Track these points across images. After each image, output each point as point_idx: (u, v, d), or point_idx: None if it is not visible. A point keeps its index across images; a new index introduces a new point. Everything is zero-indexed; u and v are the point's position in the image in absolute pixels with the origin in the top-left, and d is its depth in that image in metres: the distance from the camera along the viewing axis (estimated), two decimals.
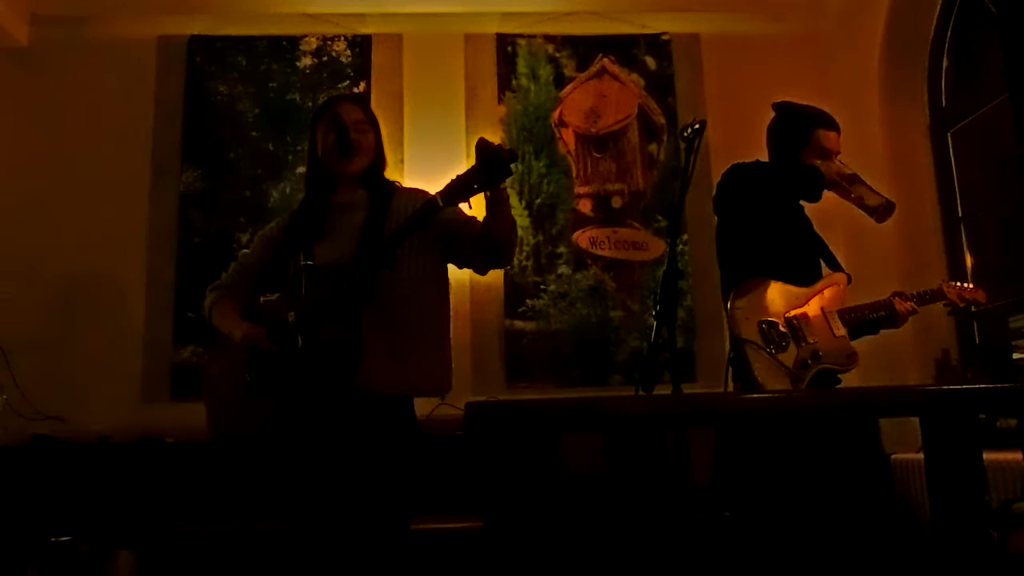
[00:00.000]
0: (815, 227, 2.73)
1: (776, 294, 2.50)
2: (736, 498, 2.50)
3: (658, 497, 1.51)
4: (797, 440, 2.37)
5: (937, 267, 3.86)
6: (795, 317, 2.48)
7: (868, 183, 2.59)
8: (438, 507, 2.99)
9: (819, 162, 2.56)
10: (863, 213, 2.63)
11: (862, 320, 2.59)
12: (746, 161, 2.64)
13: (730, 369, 2.52)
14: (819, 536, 2.27)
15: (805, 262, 2.61)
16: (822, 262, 2.69)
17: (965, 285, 2.79)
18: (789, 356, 2.43)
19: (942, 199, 3.97)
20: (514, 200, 4.33)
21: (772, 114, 2.76)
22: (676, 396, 1.95)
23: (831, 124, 2.63)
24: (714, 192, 2.68)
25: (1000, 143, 3.53)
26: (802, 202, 2.69)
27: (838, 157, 2.60)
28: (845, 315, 2.55)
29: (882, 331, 2.70)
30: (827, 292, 2.57)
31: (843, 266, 2.69)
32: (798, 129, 2.63)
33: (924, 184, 4.01)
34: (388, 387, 2.10)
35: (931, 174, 4.01)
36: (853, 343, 2.59)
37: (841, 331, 2.50)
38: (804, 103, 2.70)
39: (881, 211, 2.59)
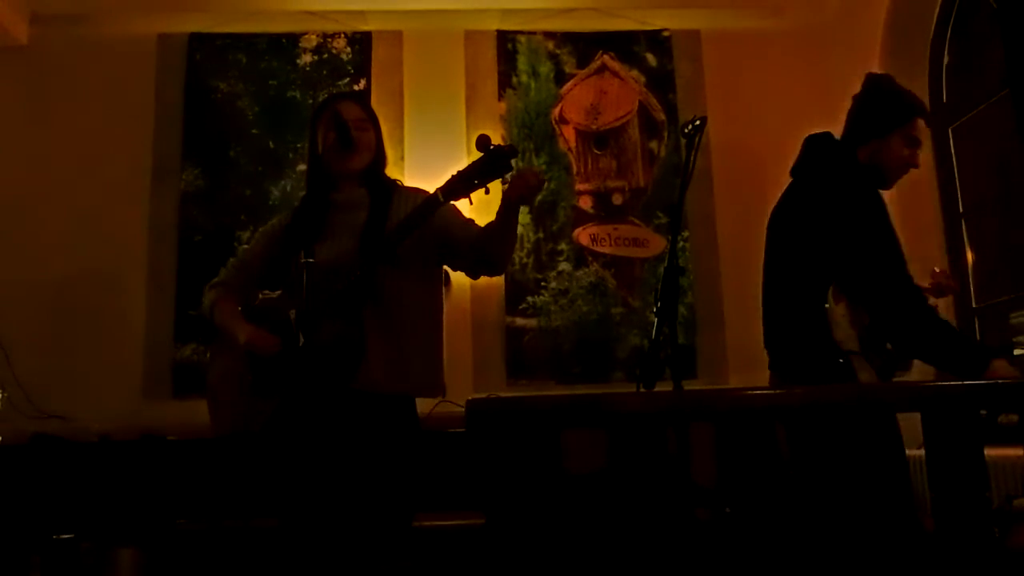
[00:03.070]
0: None
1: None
2: (738, 495, 2.50)
3: (660, 494, 1.51)
4: (804, 436, 2.36)
5: (938, 263, 3.85)
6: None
7: None
8: (440, 504, 2.99)
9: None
10: None
11: None
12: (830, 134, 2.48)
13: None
14: (821, 532, 2.27)
15: None
16: None
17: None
18: (873, 367, 2.32)
19: (943, 195, 3.96)
20: None
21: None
22: (677, 393, 1.95)
23: (927, 114, 2.45)
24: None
25: (1001, 139, 3.53)
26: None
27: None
28: None
29: None
30: None
31: None
32: (901, 111, 2.40)
33: (925, 180, 3.99)
34: (387, 387, 2.10)
35: (932, 170, 4.00)
36: None
37: (1004, 362, 2.27)
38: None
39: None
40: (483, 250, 2.16)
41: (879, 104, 2.44)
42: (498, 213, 2.07)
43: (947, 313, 3.79)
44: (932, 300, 2.62)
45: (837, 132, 2.51)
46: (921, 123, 2.42)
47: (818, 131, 2.56)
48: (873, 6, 4.09)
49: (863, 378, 2.27)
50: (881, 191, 2.40)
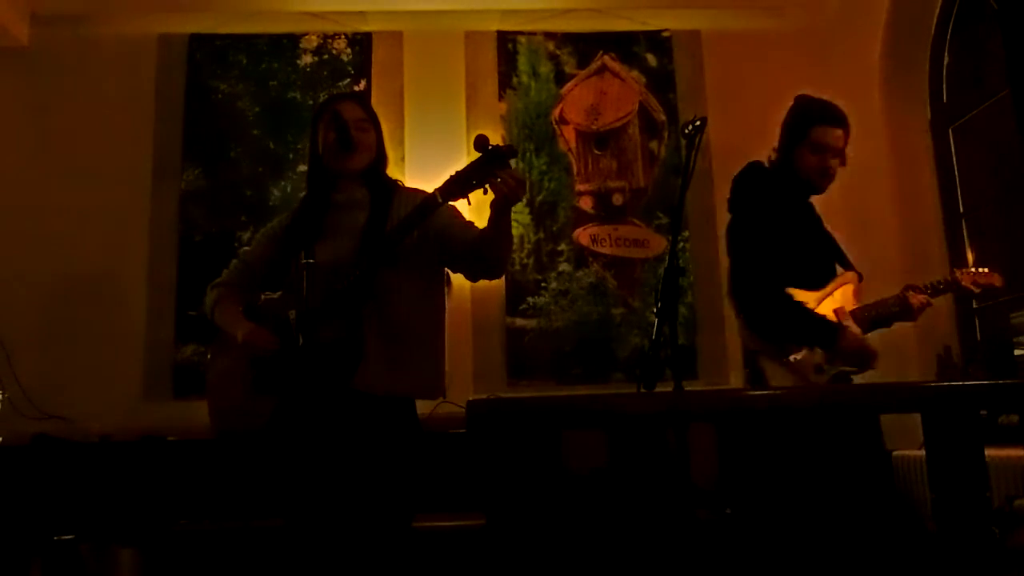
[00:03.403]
0: (825, 225, 2.71)
1: None
2: (738, 495, 2.50)
3: (660, 494, 1.52)
4: (799, 437, 2.37)
5: (939, 263, 3.86)
6: None
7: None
8: (440, 505, 2.99)
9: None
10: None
11: (878, 317, 2.57)
12: (762, 162, 2.65)
13: (747, 373, 2.53)
14: (822, 533, 2.27)
15: (817, 264, 2.58)
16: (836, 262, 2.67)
17: (979, 270, 2.75)
18: (805, 362, 2.42)
19: (943, 195, 3.97)
20: None
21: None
22: (678, 393, 1.95)
23: (833, 120, 2.58)
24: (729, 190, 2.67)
25: (1001, 139, 3.53)
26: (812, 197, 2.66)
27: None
28: (859, 314, 2.53)
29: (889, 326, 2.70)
30: (838, 293, 2.54)
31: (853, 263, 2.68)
32: (798, 124, 2.60)
33: (925, 180, 4.00)
34: (386, 388, 2.10)
35: (932, 170, 4.01)
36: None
37: (856, 331, 2.47)
38: (822, 97, 2.66)
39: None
40: (479, 254, 2.15)
41: (786, 122, 2.66)
42: (489, 219, 2.06)
43: (948, 313, 3.80)
44: (922, 299, 2.61)
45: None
46: (822, 130, 2.58)
47: None
48: (873, 6, 4.09)
49: (769, 373, 2.42)
50: (816, 196, 2.66)
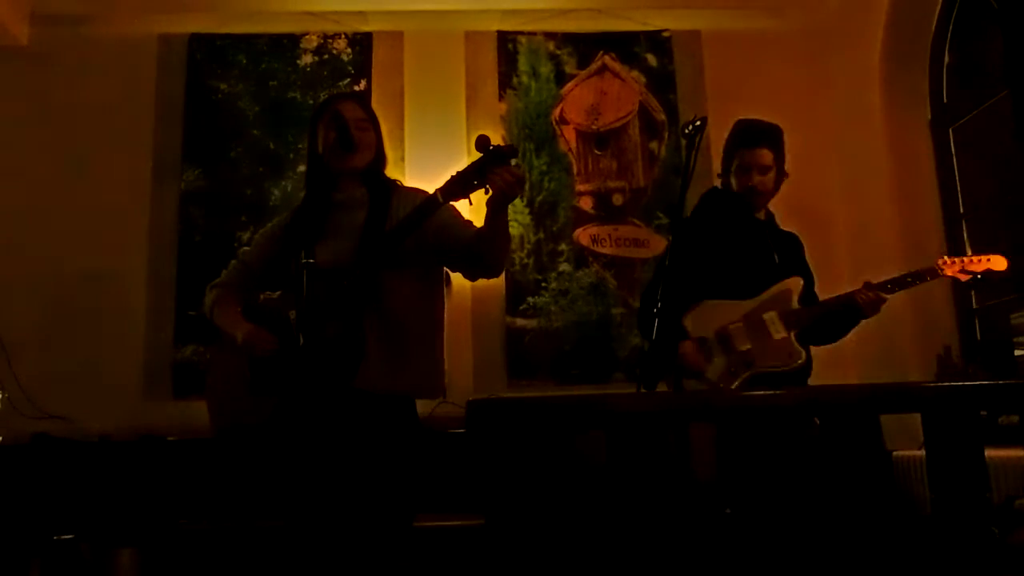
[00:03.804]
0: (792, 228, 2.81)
1: (710, 312, 2.58)
2: (738, 495, 2.50)
3: (660, 494, 1.51)
4: (799, 437, 2.37)
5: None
6: (725, 329, 2.55)
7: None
8: (439, 505, 2.99)
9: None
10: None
11: (812, 319, 2.61)
12: (717, 186, 2.76)
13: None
14: (821, 533, 2.27)
15: (753, 274, 2.64)
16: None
17: (972, 257, 2.75)
18: (715, 369, 2.53)
19: (943, 195, 3.97)
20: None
21: (762, 109, 2.82)
22: (677, 393, 1.95)
23: (757, 140, 2.66)
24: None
25: (1002, 139, 3.53)
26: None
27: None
28: (791, 316, 2.58)
29: (880, 327, 2.71)
30: (772, 299, 2.61)
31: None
32: (729, 148, 2.72)
33: (925, 180, 4.00)
34: (386, 387, 2.10)
35: (932, 170, 4.01)
36: (846, 339, 2.62)
37: (781, 333, 2.55)
38: (759, 119, 2.73)
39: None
40: (477, 253, 2.16)
41: (724, 147, 2.76)
42: (486, 217, 2.06)
43: (948, 313, 3.80)
44: (871, 295, 2.61)
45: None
46: (745, 152, 2.66)
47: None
48: (873, 6, 4.09)
49: (685, 383, 2.52)
50: (755, 213, 2.74)
